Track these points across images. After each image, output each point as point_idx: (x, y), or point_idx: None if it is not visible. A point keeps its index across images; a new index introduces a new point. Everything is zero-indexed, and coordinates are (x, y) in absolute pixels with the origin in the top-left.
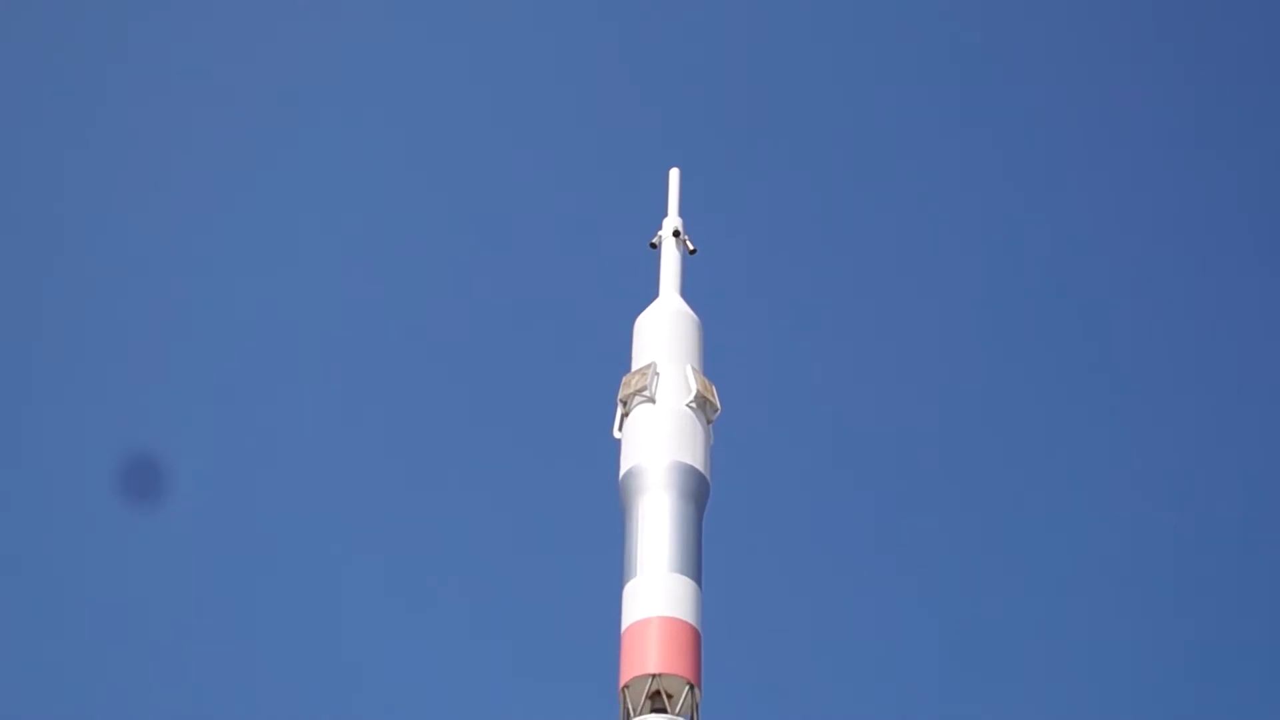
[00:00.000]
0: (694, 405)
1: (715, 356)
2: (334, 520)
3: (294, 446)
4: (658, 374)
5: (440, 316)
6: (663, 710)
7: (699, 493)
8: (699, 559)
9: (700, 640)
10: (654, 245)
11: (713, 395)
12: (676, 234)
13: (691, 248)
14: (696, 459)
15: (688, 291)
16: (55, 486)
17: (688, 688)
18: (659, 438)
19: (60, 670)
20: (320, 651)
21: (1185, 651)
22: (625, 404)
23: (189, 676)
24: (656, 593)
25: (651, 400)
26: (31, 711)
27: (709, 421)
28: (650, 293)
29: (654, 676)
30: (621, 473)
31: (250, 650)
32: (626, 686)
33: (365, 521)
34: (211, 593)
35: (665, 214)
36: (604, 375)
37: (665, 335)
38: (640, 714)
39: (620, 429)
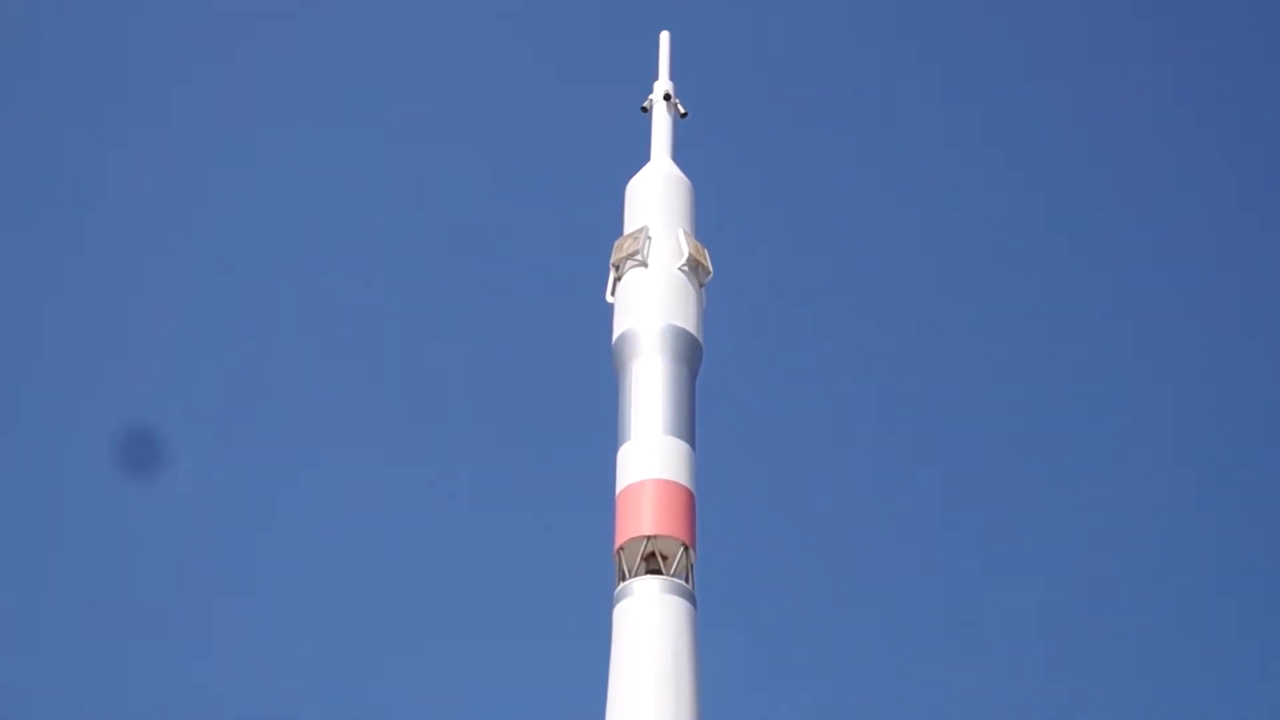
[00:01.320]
0: (686, 268)
1: (707, 220)
2: (330, 490)
3: (290, 416)
4: (649, 238)
5: (431, 187)
6: (658, 571)
7: (692, 356)
8: (693, 421)
9: (694, 502)
10: (645, 109)
11: (705, 258)
12: (667, 97)
13: (683, 111)
14: (689, 322)
15: (679, 155)
16: (55, 459)
17: (682, 549)
18: (651, 301)
19: (59, 638)
20: (319, 621)
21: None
22: (617, 268)
23: (187, 646)
24: (650, 455)
25: (643, 264)
26: (30, 680)
27: (701, 285)
28: (642, 157)
29: (649, 538)
30: (614, 337)
31: (248, 620)
32: (621, 548)
33: (362, 487)
34: (209, 563)
35: (656, 78)
36: (596, 240)
37: (657, 199)
38: (635, 575)
39: (613, 293)
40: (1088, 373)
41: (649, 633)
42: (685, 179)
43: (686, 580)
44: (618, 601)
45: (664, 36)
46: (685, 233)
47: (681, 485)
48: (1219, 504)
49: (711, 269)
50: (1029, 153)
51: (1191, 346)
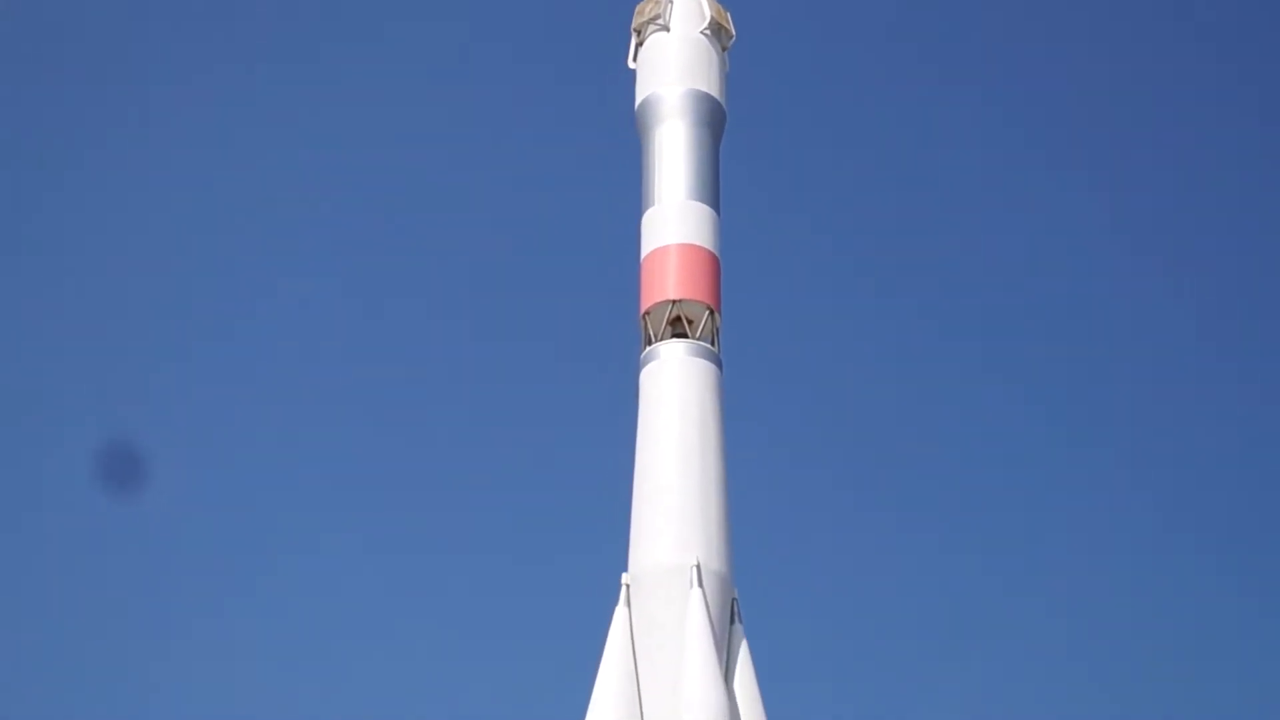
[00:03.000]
0: (708, 32)
1: None
2: (315, 499)
3: (272, 432)
4: (671, 1)
5: None
6: (684, 335)
7: (715, 120)
8: (717, 186)
9: (719, 266)
10: None
11: (727, 22)
12: None
13: None
14: (712, 86)
15: None
16: (36, 477)
17: (708, 313)
18: (674, 66)
19: (40, 656)
20: (302, 636)
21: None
22: (639, 33)
23: (168, 664)
24: (674, 220)
25: (665, 28)
26: (11, 698)
27: (724, 49)
28: None
29: (674, 303)
30: (637, 102)
31: (230, 636)
32: (647, 313)
33: (348, 491)
34: (191, 580)
35: None
36: (618, 5)
37: None
38: (661, 339)
39: (635, 59)
40: (1091, 372)
41: (675, 395)
42: None
43: (712, 344)
44: (644, 365)
45: None
46: None
47: (706, 249)
48: (1214, 511)
49: (734, 32)
50: None
51: (1190, 352)
